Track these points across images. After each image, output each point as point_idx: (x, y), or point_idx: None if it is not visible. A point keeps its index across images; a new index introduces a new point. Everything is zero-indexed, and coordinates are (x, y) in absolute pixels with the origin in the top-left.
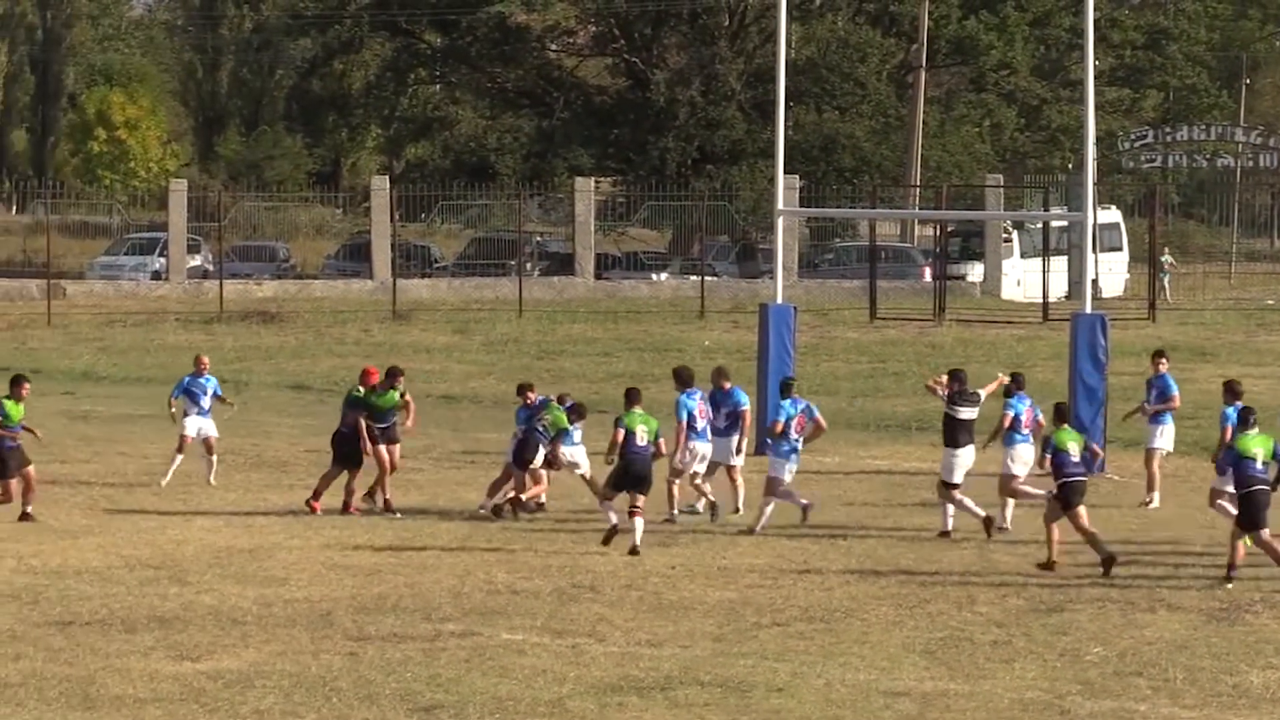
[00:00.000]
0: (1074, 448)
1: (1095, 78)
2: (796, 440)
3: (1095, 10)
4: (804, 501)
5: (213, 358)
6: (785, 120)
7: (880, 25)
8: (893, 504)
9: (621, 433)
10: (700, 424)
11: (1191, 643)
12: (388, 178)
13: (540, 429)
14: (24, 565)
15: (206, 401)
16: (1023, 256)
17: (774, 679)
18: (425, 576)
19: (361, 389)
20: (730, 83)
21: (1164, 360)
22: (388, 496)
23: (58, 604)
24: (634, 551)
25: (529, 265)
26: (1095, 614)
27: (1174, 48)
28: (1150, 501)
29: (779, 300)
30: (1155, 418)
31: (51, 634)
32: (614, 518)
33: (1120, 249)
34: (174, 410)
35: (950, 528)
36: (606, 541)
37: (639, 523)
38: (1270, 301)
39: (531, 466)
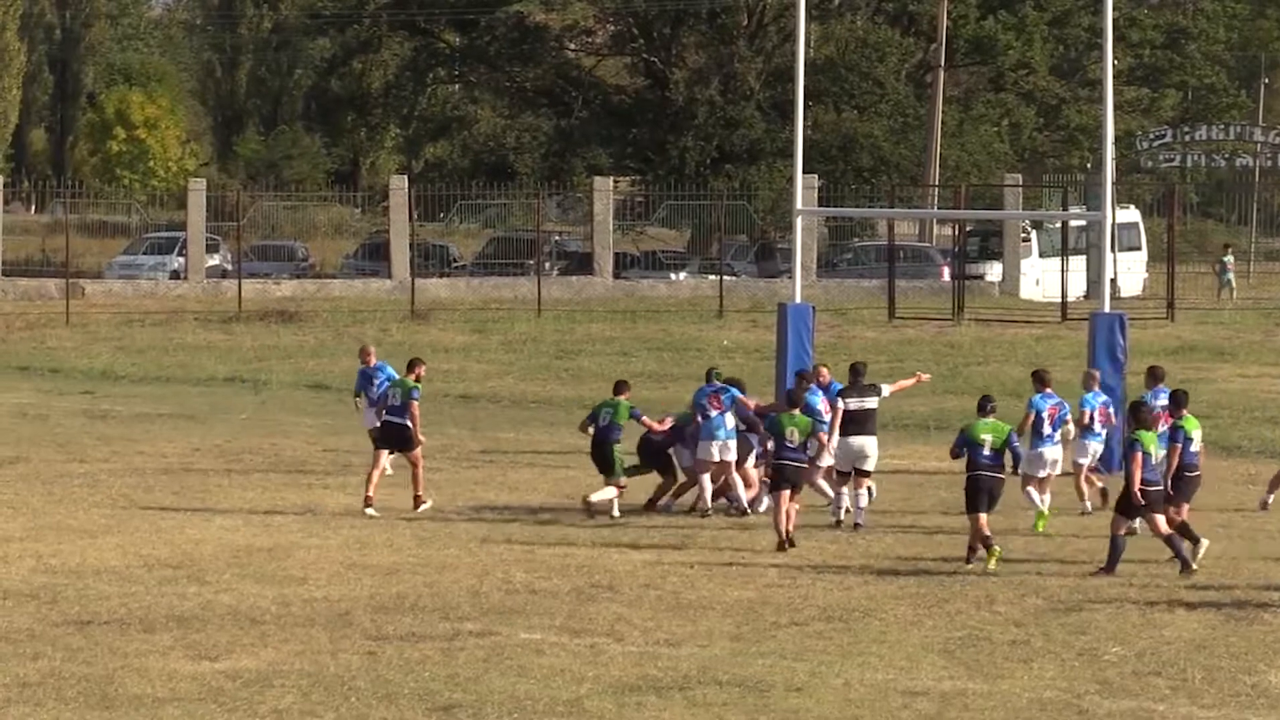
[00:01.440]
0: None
1: (1114, 77)
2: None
3: (1114, 10)
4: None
5: (230, 358)
6: (804, 120)
7: (899, 25)
8: (911, 503)
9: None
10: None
11: (1210, 642)
12: (406, 177)
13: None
14: (43, 565)
15: (375, 392)
16: (1041, 256)
17: (792, 678)
18: (444, 576)
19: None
20: (749, 82)
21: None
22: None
23: (76, 603)
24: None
25: (547, 265)
26: (1113, 613)
27: (1193, 47)
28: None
29: (797, 300)
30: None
31: (70, 633)
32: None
33: (1139, 248)
34: (358, 403)
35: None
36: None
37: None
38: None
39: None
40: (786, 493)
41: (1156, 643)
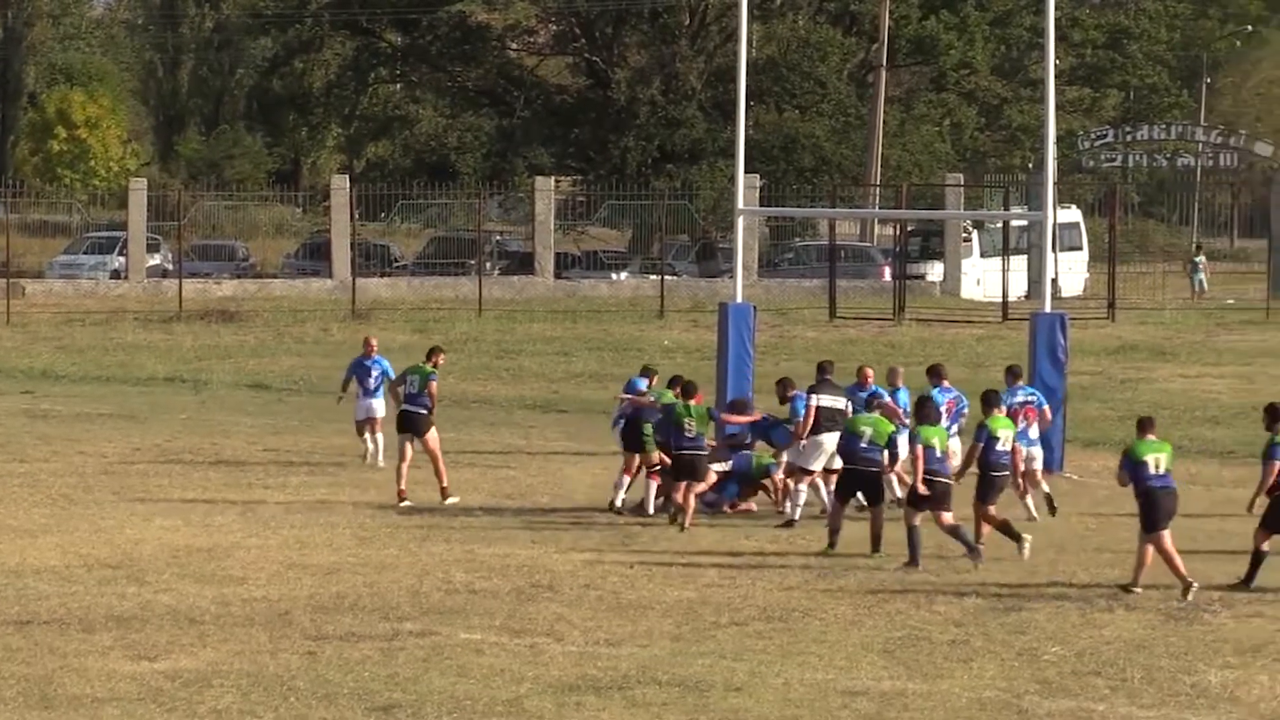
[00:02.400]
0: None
1: (1055, 77)
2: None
3: (1056, 9)
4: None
5: (171, 357)
6: (745, 119)
7: (841, 25)
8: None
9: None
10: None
11: (1149, 642)
12: (347, 177)
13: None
14: None
15: (373, 382)
16: (982, 256)
17: (732, 678)
18: (384, 576)
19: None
20: (691, 82)
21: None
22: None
23: (15, 603)
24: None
25: (488, 264)
26: (1053, 613)
27: (1134, 47)
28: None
29: (738, 299)
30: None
31: (9, 633)
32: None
33: (1080, 248)
34: (342, 394)
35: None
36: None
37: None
38: (1230, 301)
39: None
40: (685, 484)
41: (1096, 642)
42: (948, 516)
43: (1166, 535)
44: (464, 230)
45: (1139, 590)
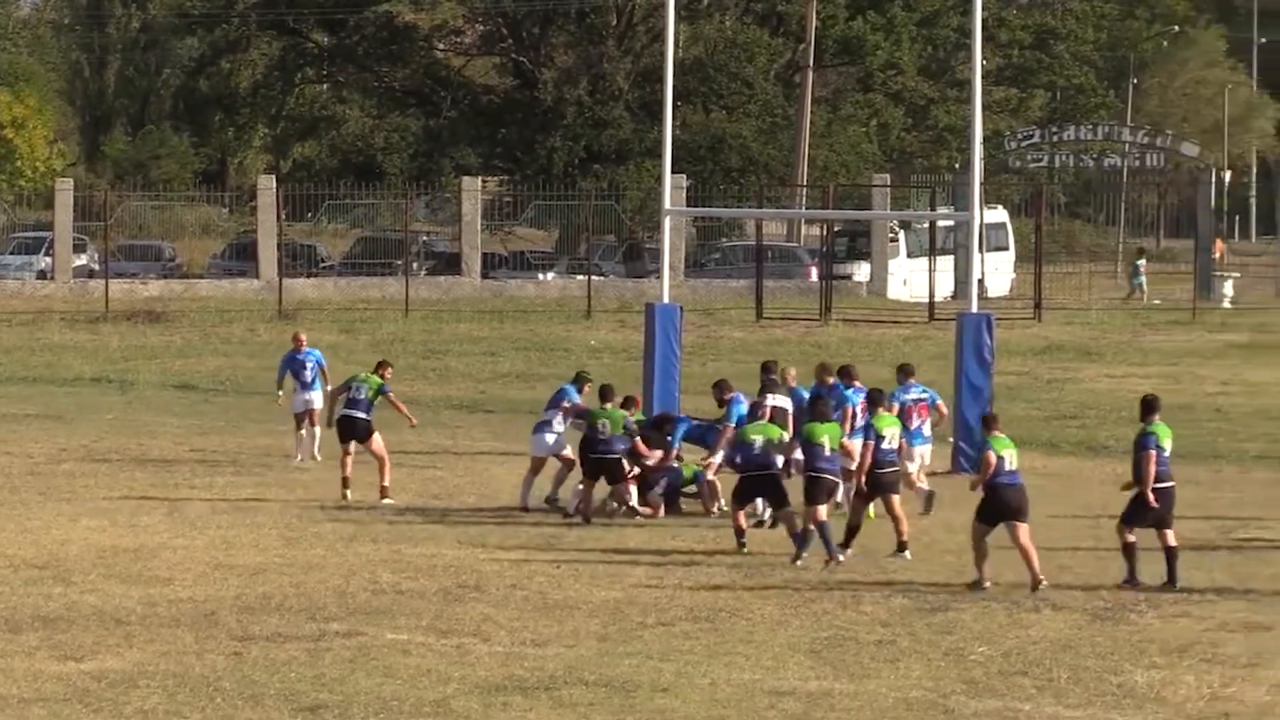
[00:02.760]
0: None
1: (982, 77)
2: None
3: (982, 10)
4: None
5: (97, 358)
6: (672, 120)
7: (768, 25)
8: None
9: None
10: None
11: (1076, 642)
12: (274, 177)
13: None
14: None
15: (308, 375)
16: (909, 256)
17: (659, 678)
18: (310, 576)
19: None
20: (618, 82)
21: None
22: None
23: None
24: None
25: (415, 265)
26: (980, 613)
27: (1061, 48)
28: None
29: (665, 300)
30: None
31: None
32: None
33: (1006, 249)
34: (279, 391)
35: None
36: None
37: None
38: (1156, 301)
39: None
40: (593, 482)
41: (1023, 642)
42: (821, 512)
43: (1025, 530)
44: (391, 230)
45: (988, 585)
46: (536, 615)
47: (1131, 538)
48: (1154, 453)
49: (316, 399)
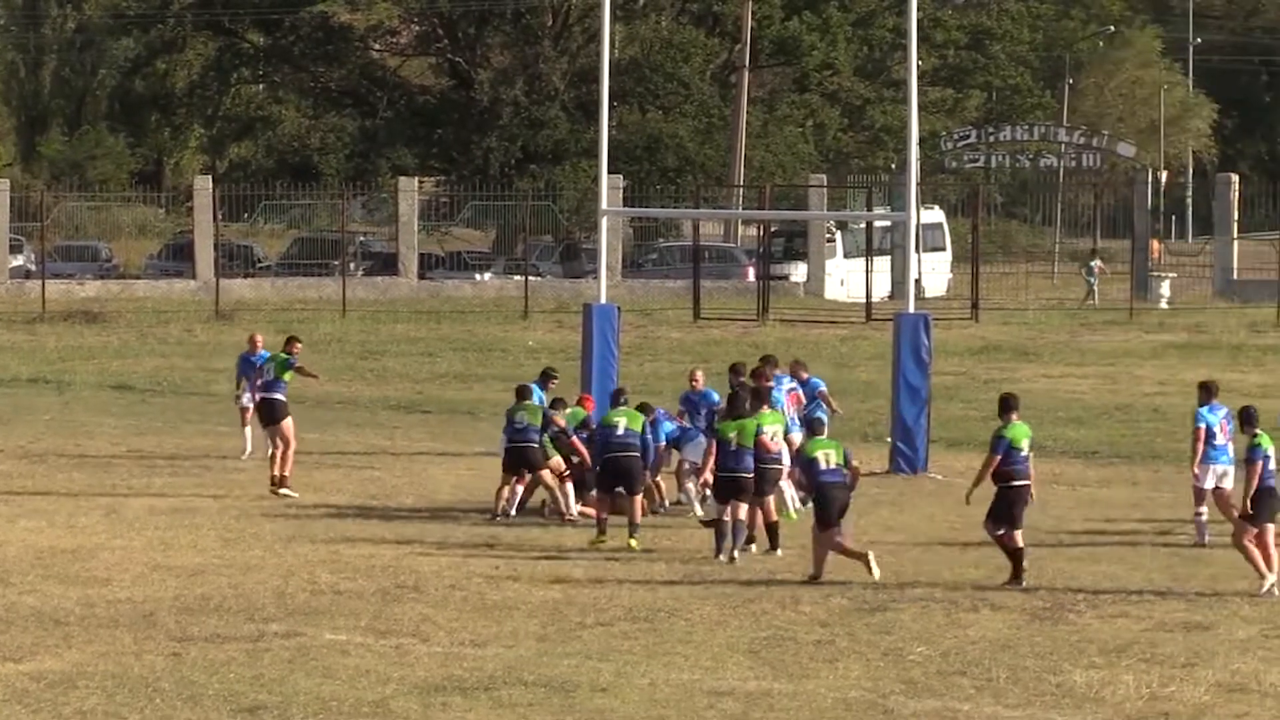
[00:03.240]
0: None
1: (918, 78)
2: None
3: (918, 10)
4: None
5: (34, 358)
6: (609, 120)
7: (704, 25)
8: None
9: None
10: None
11: (1015, 642)
12: (210, 177)
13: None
14: None
15: (264, 376)
16: (846, 256)
17: (598, 679)
18: (249, 577)
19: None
20: (554, 82)
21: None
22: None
23: None
24: None
25: (352, 265)
26: (919, 613)
27: (997, 48)
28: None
29: (602, 300)
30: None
31: None
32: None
33: (943, 249)
34: (239, 391)
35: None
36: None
37: None
38: (1092, 302)
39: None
40: (511, 475)
41: (961, 642)
42: (743, 510)
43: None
44: (327, 231)
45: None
46: (475, 615)
47: (1000, 533)
48: (999, 455)
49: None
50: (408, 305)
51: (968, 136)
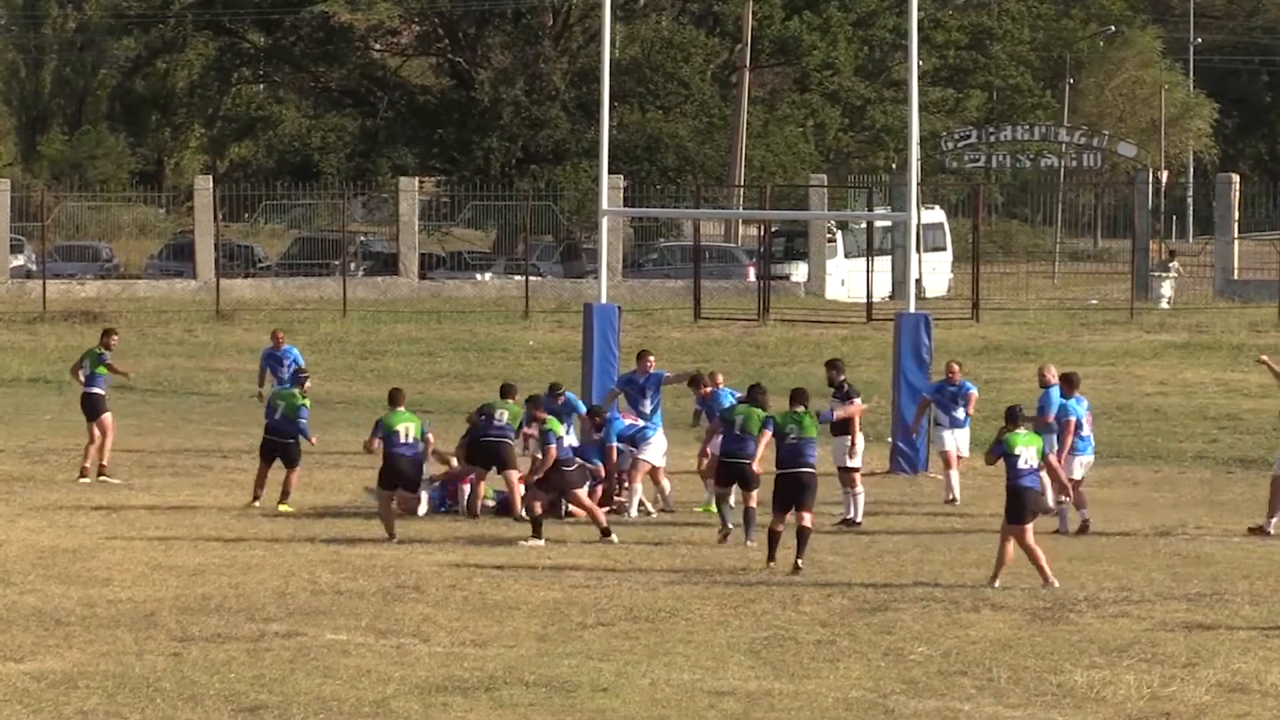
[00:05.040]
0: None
1: (919, 78)
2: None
3: (919, 10)
4: None
5: (35, 358)
6: (609, 120)
7: (704, 25)
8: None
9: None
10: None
11: (1016, 642)
12: (211, 177)
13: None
14: None
15: (285, 372)
16: (847, 256)
17: (599, 678)
18: (249, 577)
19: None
20: (554, 82)
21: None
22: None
23: None
24: None
25: (353, 265)
26: (919, 613)
27: (997, 48)
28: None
29: (603, 300)
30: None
31: None
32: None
33: (944, 249)
34: (260, 389)
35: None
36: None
37: None
38: (1094, 301)
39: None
40: (485, 471)
41: (962, 642)
42: (746, 497)
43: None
44: (328, 231)
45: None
46: (476, 615)
47: (780, 527)
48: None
49: None
50: (408, 305)
51: (968, 136)
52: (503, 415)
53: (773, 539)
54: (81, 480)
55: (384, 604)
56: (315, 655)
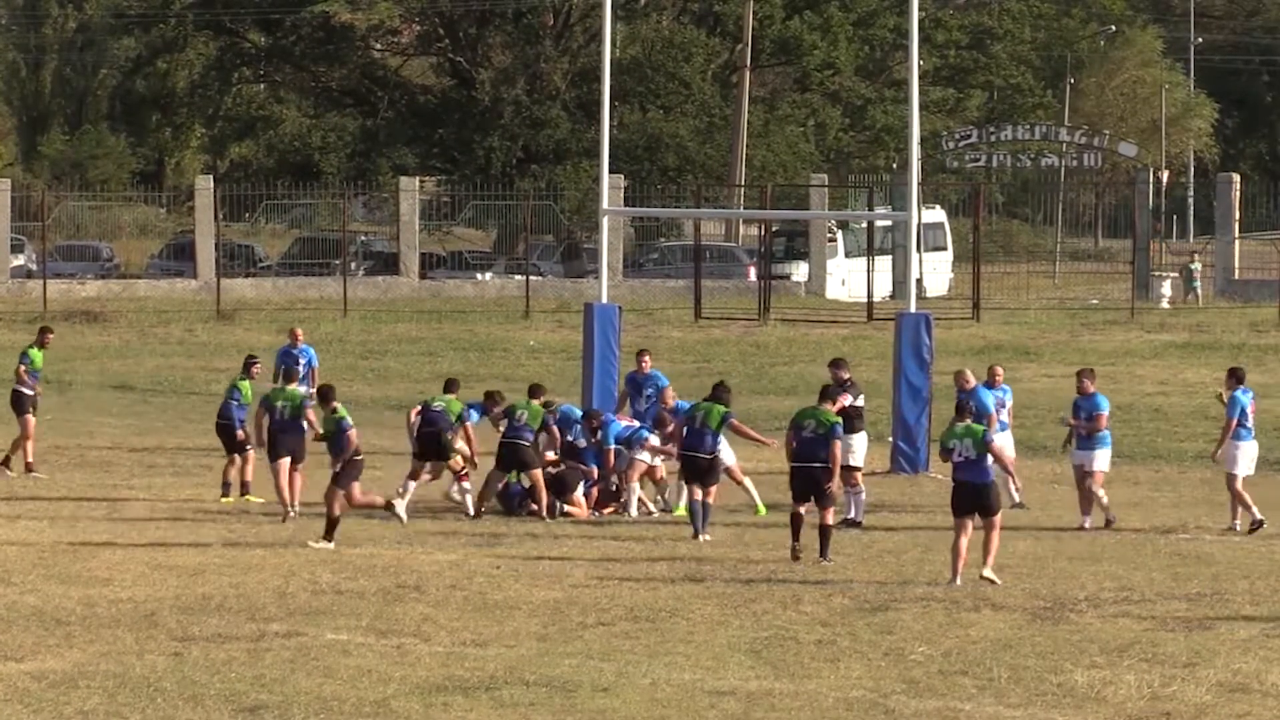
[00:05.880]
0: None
1: (919, 78)
2: None
3: (919, 10)
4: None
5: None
6: (610, 119)
7: (705, 25)
8: (717, 504)
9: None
10: None
11: (1016, 642)
12: (211, 177)
13: None
14: None
15: (301, 370)
16: (847, 256)
17: (599, 678)
18: (250, 577)
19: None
20: (555, 82)
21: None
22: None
23: None
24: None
25: (353, 265)
26: (920, 613)
27: (998, 47)
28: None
29: (604, 300)
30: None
31: None
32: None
33: (945, 248)
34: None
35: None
36: None
37: None
38: (1094, 301)
39: None
40: (504, 473)
41: (963, 642)
42: (705, 492)
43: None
44: (329, 230)
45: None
46: (476, 615)
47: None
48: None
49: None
50: (409, 305)
51: (969, 136)
52: (523, 416)
53: (795, 523)
54: (9, 474)
55: (384, 604)
56: (316, 655)
